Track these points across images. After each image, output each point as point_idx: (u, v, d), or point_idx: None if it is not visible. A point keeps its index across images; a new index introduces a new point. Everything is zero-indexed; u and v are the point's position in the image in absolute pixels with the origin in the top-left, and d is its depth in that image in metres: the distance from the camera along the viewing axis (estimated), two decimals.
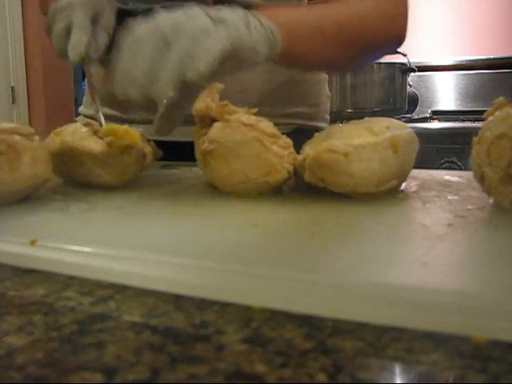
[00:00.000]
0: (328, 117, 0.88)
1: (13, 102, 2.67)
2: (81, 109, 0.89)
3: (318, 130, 0.83)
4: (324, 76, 0.88)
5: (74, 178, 0.50)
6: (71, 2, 0.59)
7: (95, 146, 0.47)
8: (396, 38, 0.71)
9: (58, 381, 0.18)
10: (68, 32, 0.58)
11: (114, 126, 0.48)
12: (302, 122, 0.80)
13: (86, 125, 0.51)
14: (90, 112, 0.82)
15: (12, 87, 2.67)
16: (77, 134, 0.48)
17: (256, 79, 0.72)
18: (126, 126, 0.48)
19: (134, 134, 0.48)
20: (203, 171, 0.45)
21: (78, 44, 0.56)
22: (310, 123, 0.82)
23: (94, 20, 0.60)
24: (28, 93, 2.72)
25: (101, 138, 0.49)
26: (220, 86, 0.46)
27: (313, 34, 0.61)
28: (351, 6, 0.65)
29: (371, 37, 0.67)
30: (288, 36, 0.55)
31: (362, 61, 0.76)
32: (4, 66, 2.63)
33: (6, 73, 2.65)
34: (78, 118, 0.52)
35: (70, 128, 0.50)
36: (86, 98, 0.87)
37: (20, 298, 0.25)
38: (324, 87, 0.87)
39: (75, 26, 0.57)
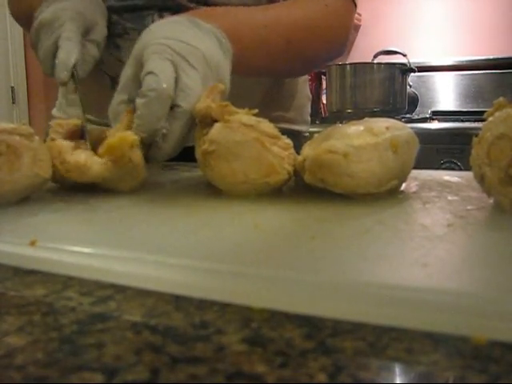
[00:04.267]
0: (309, 119, 0.87)
1: (13, 102, 2.68)
2: (54, 111, 0.83)
3: (300, 133, 0.82)
4: (305, 76, 0.86)
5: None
6: (58, 15, 0.52)
7: (101, 170, 0.44)
8: (336, 52, 0.72)
9: (58, 381, 0.18)
10: (57, 48, 0.51)
11: (107, 142, 0.44)
12: (286, 126, 0.78)
13: (57, 130, 0.48)
14: (65, 115, 0.77)
15: (12, 87, 2.67)
16: (72, 163, 0.44)
17: (247, 83, 0.70)
18: (116, 135, 0.44)
19: (127, 137, 0.43)
20: (203, 172, 0.45)
21: (66, 59, 0.50)
22: (293, 127, 0.80)
23: (84, 34, 0.55)
24: (28, 93, 2.72)
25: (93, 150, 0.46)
26: (221, 86, 0.46)
27: (260, 50, 0.60)
28: (301, 12, 0.64)
29: (316, 49, 0.68)
30: (235, 47, 0.53)
31: (303, 71, 0.78)
32: (4, 65, 2.63)
33: (6, 73, 2.65)
34: (51, 122, 0.48)
35: (53, 150, 0.45)
36: (60, 101, 0.82)
37: (20, 298, 0.25)
38: (306, 87, 0.86)
39: (64, 38, 0.51)
